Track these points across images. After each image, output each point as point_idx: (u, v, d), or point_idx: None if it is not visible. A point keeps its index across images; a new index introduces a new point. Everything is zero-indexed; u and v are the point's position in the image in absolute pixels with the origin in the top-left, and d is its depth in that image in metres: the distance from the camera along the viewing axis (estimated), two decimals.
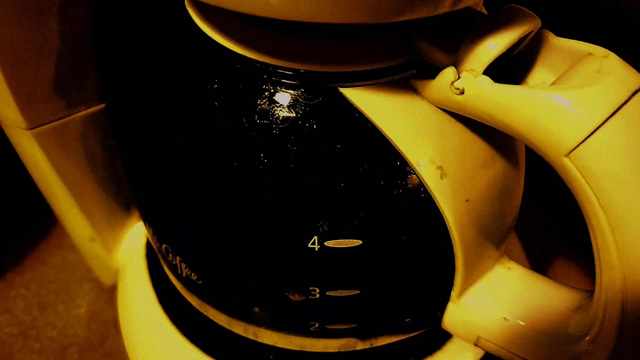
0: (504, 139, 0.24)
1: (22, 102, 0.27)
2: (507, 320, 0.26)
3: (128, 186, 0.35)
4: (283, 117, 0.22)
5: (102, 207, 0.34)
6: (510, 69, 0.22)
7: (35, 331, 0.39)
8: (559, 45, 0.21)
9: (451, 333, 0.28)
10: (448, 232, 0.24)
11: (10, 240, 0.44)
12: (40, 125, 0.29)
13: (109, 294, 0.41)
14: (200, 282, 0.26)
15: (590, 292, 0.24)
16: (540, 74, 0.22)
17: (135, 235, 0.37)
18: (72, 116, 0.30)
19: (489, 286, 0.27)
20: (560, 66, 0.22)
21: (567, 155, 0.19)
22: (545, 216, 0.46)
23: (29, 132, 0.29)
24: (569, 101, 0.18)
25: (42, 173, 0.31)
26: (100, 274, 0.39)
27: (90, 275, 0.42)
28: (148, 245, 0.36)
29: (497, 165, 0.24)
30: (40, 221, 0.46)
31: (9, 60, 0.26)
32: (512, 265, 0.28)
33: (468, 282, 0.26)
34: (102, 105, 0.31)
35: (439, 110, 0.22)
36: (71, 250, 0.44)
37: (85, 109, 0.30)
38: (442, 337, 0.31)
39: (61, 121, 0.29)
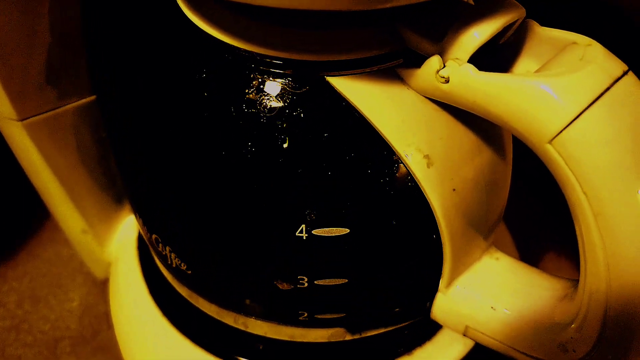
0: (491, 129, 0.25)
1: (13, 93, 0.27)
2: (494, 309, 0.26)
3: (120, 178, 0.35)
4: (271, 106, 0.22)
5: (94, 200, 0.34)
6: (496, 58, 0.22)
7: (27, 325, 0.40)
8: (544, 35, 0.22)
9: (440, 323, 0.28)
10: (435, 221, 0.24)
11: (3, 234, 0.44)
12: (31, 117, 0.29)
13: (101, 287, 0.41)
14: (189, 272, 0.26)
15: (576, 281, 0.24)
16: (525, 63, 0.22)
17: (127, 228, 0.37)
18: (64, 107, 0.30)
19: (476, 276, 0.27)
20: (545, 55, 0.22)
21: (550, 142, 0.19)
22: (535, 207, 0.46)
23: (20, 123, 0.29)
24: (552, 88, 0.19)
25: (34, 165, 0.31)
26: (93, 267, 0.39)
27: (82, 269, 0.42)
28: (140, 238, 0.36)
29: (484, 154, 0.24)
30: (33, 215, 0.46)
31: (1, 52, 0.26)
32: (500, 255, 0.28)
33: (456, 273, 0.26)
34: (93, 97, 0.31)
35: (425, 99, 0.23)
36: (64, 244, 0.44)
37: (77, 101, 0.30)
38: (432, 328, 0.31)
39: (52, 112, 0.30)
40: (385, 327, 0.29)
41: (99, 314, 0.40)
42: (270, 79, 0.22)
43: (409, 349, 0.31)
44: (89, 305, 0.41)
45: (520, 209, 0.43)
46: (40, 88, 0.28)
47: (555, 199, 0.46)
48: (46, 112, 0.29)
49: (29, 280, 0.42)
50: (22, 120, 0.29)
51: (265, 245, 0.24)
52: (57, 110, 0.30)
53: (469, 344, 0.32)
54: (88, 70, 0.29)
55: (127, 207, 0.37)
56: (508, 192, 0.27)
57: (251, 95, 0.22)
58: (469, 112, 0.22)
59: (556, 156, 0.19)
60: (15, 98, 0.28)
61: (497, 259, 0.28)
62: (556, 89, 0.19)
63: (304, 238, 0.23)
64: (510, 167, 0.27)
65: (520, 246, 0.40)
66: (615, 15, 0.40)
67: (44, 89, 0.29)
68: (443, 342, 0.31)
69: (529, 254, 0.42)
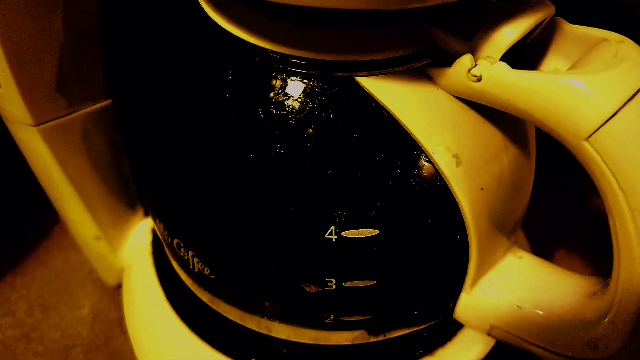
0: (517, 127, 0.25)
1: (29, 98, 0.27)
2: (521, 308, 0.26)
3: (134, 183, 0.34)
4: (299, 106, 0.22)
5: (108, 205, 0.34)
6: (522, 56, 0.22)
7: (38, 333, 0.39)
8: (572, 32, 0.22)
9: (463, 323, 0.28)
10: (462, 220, 0.24)
11: (10, 242, 0.44)
12: (46, 122, 0.29)
13: (112, 293, 0.41)
14: (213, 276, 0.26)
15: (603, 278, 0.24)
16: (553, 62, 0.22)
17: (140, 233, 0.37)
18: (79, 112, 0.30)
19: (501, 275, 0.27)
20: (574, 53, 0.22)
21: (587, 139, 0.19)
22: (547, 206, 0.46)
23: (34, 128, 0.28)
24: (588, 85, 0.19)
25: (47, 171, 0.31)
26: (104, 274, 0.38)
27: (92, 276, 0.42)
28: (154, 243, 0.36)
29: (510, 152, 0.24)
30: (41, 222, 0.45)
31: (16, 55, 0.25)
32: (523, 254, 0.28)
33: (481, 272, 0.26)
34: (108, 101, 0.30)
35: (453, 98, 0.23)
36: (72, 251, 0.43)
37: (92, 105, 0.30)
38: (453, 328, 0.31)
39: (68, 117, 0.29)
40: (409, 328, 0.29)
41: (110, 321, 0.39)
42: (299, 79, 0.22)
43: (431, 349, 0.30)
44: (100, 311, 0.40)
45: (531, 207, 0.43)
46: (56, 93, 0.28)
47: (563, 196, 0.46)
48: (62, 117, 0.29)
49: (37, 287, 0.42)
50: (37, 125, 0.28)
51: (294, 248, 0.23)
52: (73, 115, 0.29)
53: (490, 342, 0.32)
54: (104, 73, 0.29)
55: (140, 212, 0.37)
56: (531, 190, 0.27)
57: (279, 97, 0.22)
58: (495, 110, 0.22)
59: (593, 153, 0.19)
60: (31, 103, 0.27)
61: (520, 257, 0.28)
62: (593, 86, 0.19)
63: (333, 240, 0.23)
64: (533, 165, 0.27)
65: (532, 245, 0.40)
66: (622, 13, 0.40)
67: (59, 94, 0.28)
68: (464, 341, 0.31)
69: (540, 252, 0.42)
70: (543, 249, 0.43)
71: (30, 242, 0.44)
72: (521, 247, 0.30)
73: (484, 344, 0.32)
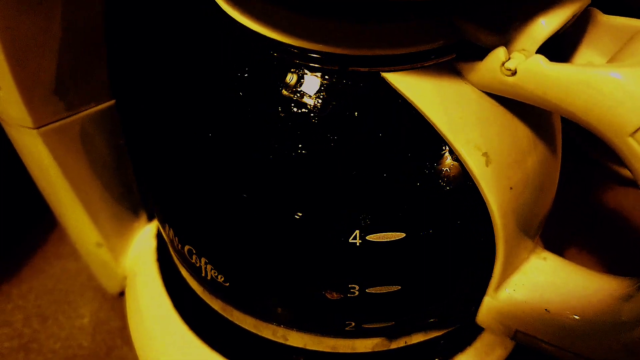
0: (545, 123, 0.24)
1: (29, 100, 0.26)
2: (549, 312, 0.25)
3: (138, 187, 0.33)
4: (321, 105, 0.21)
5: (110, 210, 0.33)
6: (553, 49, 0.21)
7: (37, 344, 0.37)
8: (607, 23, 0.21)
9: (485, 328, 0.27)
10: (490, 222, 0.23)
11: (5, 250, 0.42)
12: (47, 124, 0.27)
13: (113, 302, 0.39)
14: (227, 284, 0.25)
15: (637, 279, 0.24)
16: (586, 54, 0.21)
17: (144, 239, 0.35)
18: (81, 114, 0.28)
19: (526, 278, 0.26)
20: (609, 45, 0.21)
21: (632, 134, 0.18)
22: (557, 203, 0.45)
23: (35, 131, 0.27)
24: (633, 79, 0.18)
25: (47, 176, 0.30)
26: (105, 282, 0.37)
27: (91, 284, 0.40)
28: (159, 249, 0.34)
29: (538, 150, 0.23)
30: (36, 229, 0.44)
31: (15, 54, 0.24)
32: (548, 255, 0.27)
33: (506, 274, 0.25)
34: (111, 102, 0.29)
35: (482, 94, 0.22)
36: (70, 259, 0.42)
37: (95, 106, 0.29)
38: (473, 333, 0.30)
39: (69, 119, 0.28)
40: (430, 333, 0.28)
41: (112, 330, 0.38)
42: (322, 76, 0.21)
43: (451, 355, 0.30)
44: (101, 321, 0.39)
45: None
46: (57, 93, 0.27)
47: (572, 193, 0.45)
48: (63, 119, 0.28)
49: (35, 297, 0.40)
50: (37, 128, 0.27)
51: (316, 254, 0.22)
52: (74, 117, 0.28)
53: (509, 346, 0.31)
54: (109, 72, 0.27)
55: (144, 217, 0.36)
56: (556, 189, 0.26)
57: (300, 95, 0.21)
58: (525, 106, 0.21)
59: (638, 149, 0.18)
60: (31, 105, 0.26)
61: (545, 258, 0.27)
62: (638, 80, 0.17)
63: (357, 244, 0.22)
64: (559, 162, 0.26)
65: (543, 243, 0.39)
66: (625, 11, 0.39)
67: (60, 95, 0.27)
68: (484, 346, 0.30)
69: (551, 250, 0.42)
70: (553, 248, 0.42)
71: (26, 250, 0.43)
72: None
73: (503, 348, 0.31)
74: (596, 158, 0.45)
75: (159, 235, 0.35)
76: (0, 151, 0.32)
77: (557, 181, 0.26)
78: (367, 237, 0.22)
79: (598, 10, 0.21)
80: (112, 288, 0.37)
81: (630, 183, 0.42)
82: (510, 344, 0.31)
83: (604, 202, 0.45)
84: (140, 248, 0.35)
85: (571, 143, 0.26)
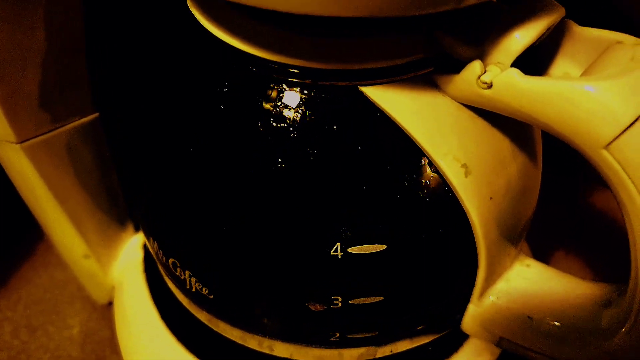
0: (524, 133, 0.24)
1: (12, 114, 0.26)
2: (532, 319, 0.25)
3: (124, 199, 0.33)
4: (301, 119, 0.21)
5: (96, 222, 0.33)
6: (529, 61, 0.22)
7: (25, 355, 0.37)
8: (583, 35, 0.21)
9: (470, 335, 0.28)
10: (471, 231, 0.23)
11: None
12: (30, 139, 0.27)
13: (102, 311, 0.39)
14: (212, 296, 0.25)
15: (618, 286, 0.24)
16: (562, 65, 0.22)
17: (131, 250, 0.35)
18: (64, 127, 0.28)
19: (509, 285, 0.26)
20: (585, 56, 0.21)
21: (606, 147, 0.18)
22: (542, 209, 0.46)
23: (18, 146, 0.27)
24: (607, 92, 0.18)
25: (32, 189, 0.30)
26: (94, 292, 0.37)
27: (80, 294, 0.40)
28: (146, 260, 0.34)
29: (518, 159, 0.24)
30: (24, 239, 0.44)
31: None
32: (531, 262, 0.27)
33: (489, 282, 0.26)
34: (95, 115, 0.29)
35: (461, 106, 0.22)
36: (58, 268, 0.42)
37: (79, 119, 0.28)
38: (459, 339, 0.30)
39: (53, 133, 0.28)
40: (415, 341, 0.28)
41: (101, 340, 0.38)
42: (300, 90, 0.21)
43: None
44: (90, 331, 0.39)
45: None
46: (40, 107, 0.27)
47: (559, 197, 0.45)
48: (46, 132, 0.28)
49: (23, 307, 0.40)
50: (20, 142, 0.27)
51: (298, 266, 0.22)
52: (58, 131, 0.28)
53: (496, 352, 0.31)
54: (91, 85, 0.27)
55: (130, 228, 0.36)
56: (537, 196, 0.26)
57: (279, 109, 0.21)
58: (503, 118, 0.21)
59: (612, 161, 0.18)
60: (14, 119, 0.26)
61: (528, 265, 0.27)
62: (611, 92, 0.18)
63: (339, 257, 0.22)
64: (540, 171, 0.26)
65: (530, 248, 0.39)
66: (617, 16, 0.40)
67: (44, 109, 0.27)
68: (471, 353, 0.30)
69: (537, 256, 0.42)
70: (540, 252, 0.42)
71: (13, 260, 0.43)
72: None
73: (490, 353, 0.31)
74: (581, 161, 0.45)
75: (145, 246, 0.35)
76: None
77: (538, 188, 0.26)
78: (349, 250, 0.22)
79: (573, 22, 0.21)
80: (101, 298, 0.37)
81: None
82: (497, 350, 0.31)
83: (589, 205, 0.46)
84: (127, 259, 0.35)
85: (555, 146, 0.26)
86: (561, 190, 0.46)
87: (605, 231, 0.44)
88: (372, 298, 0.23)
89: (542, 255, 0.42)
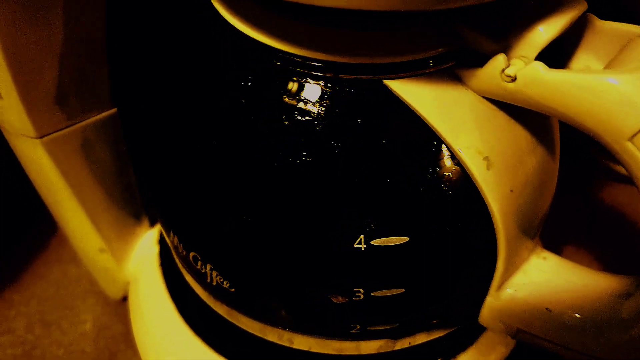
0: (544, 126, 0.24)
1: (31, 109, 0.26)
2: (550, 311, 0.25)
3: (140, 193, 0.33)
4: (325, 112, 0.21)
5: (112, 216, 0.33)
6: (550, 54, 0.22)
7: (39, 350, 0.38)
8: (604, 29, 0.21)
9: (487, 327, 0.28)
10: (491, 224, 0.23)
11: (5, 255, 0.42)
12: (49, 134, 0.27)
13: (115, 307, 0.39)
14: (233, 289, 0.25)
15: (636, 277, 0.24)
16: (583, 59, 0.22)
17: (146, 245, 0.35)
18: (83, 122, 0.28)
19: (527, 277, 0.26)
20: (606, 50, 0.21)
21: (631, 139, 0.18)
22: (555, 204, 0.46)
23: (38, 141, 0.27)
24: (631, 84, 0.18)
25: (50, 184, 0.30)
26: (107, 287, 0.37)
27: (93, 289, 0.40)
28: (162, 254, 0.34)
29: (538, 153, 0.24)
30: (36, 234, 0.44)
31: (18, 64, 0.24)
32: (547, 254, 0.27)
33: (507, 275, 0.26)
34: (113, 110, 0.29)
35: (483, 99, 0.22)
36: (71, 263, 0.42)
37: (97, 114, 0.29)
38: (475, 332, 0.30)
39: (71, 128, 0.28)
40: (433, 334, 0.28)
41: (115, 335, 0.38)
42: (325, 84, 0.21)
43: (454, 354, 0.30)
44: (104, 326, 0.39)
45: None
46: (59, 102, 0.27)
47: (569, 191, 0.46)
48: (65, 127, 0.28)
49: (37, 303, 0.40)
50: (40, 137, 0.27)
51: (322, 259, 0.22)
52: (76, 126, 0.28)
53: (511, 344, 0.31)
54: (111, 80, 0.28)
55: (146, 223, 0.36)
56: (554, 189, 0.27)
57: (304, 103, 0.21)
58: (524, 111, 0.21)
59: (637, 153, 0.18)
60: (34, 114, 0.26)
61: (545, 258, 0.27)
62: (636, 86, 0.18)
63: (362, 249, 0.22)
64: (558, 163, 0.26)
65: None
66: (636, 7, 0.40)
67: (63, 104, 0.27)
68: (486, 345, 0.30)
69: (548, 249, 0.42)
70: (551, 245, 0.43)
71: (27, 255, 0.43)
72: None
73: (504, 346, 0.31)
74: (594, 156, 0.45)
75: (161, 241, 0.35)
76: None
77: (555, 181, 0.26)
78: (372, 242, 0.22)
79: (595, 16, 0.21)
80: (114, 293, 0.37)
81: (627, 180, 0.42)
82: (511, 342, 0.32)
83: (601, 199, 0.46)
84: (142, 253, 0.35)
85: (569, 141, 0.26)
86: (573, 185, 0.46)
87: (616, 225, 0.44)
88: (393, 290, 0.23)
89: (552, 248, 0.42)
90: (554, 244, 0.43)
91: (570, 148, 0.28)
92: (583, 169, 0.47)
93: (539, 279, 0.26)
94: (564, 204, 0.46)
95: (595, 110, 0.19)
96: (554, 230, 0.43)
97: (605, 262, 0.42)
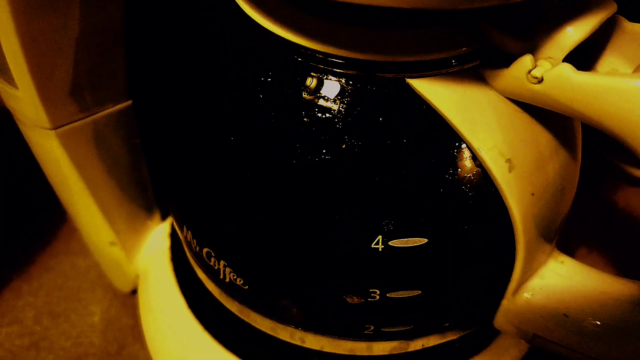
0: (567, 129, 0.24)
1: (48, 101, 0.26)
2: (568, 317, 0.25)
3: (153, 187, 0.33)
4: (346, 110, 0.21)
5: (124, 210, 0.33)
6: (578, 55, 0.21)
7: (47, 342, 0.37)
8: (633, 31, 0.21)
9: (503, 331, 0.28)
10: (511, 227, 0.23)
11: (14, 247, 0.42)
12: (64, 125, 0.27)
13: (123, 299, 0.39)
14: (246, 287, 0.25)
15: None
16: (611, 61, 0.21)
17: (157, 239, 0.35)
18: (97, 115, 0.28)
19: (544, 282, 0.26)
20: (635, 53, 0.21)
21: None
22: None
23: (52, 132, 0.27)
24: None
25: (63, 175, 0.29)
26: (117, 280, 0.37)
27: (102, 281, 0.40)
28: (173, 249, 0.34)
29: (559, 157, 0.23)
30: (45, 225, 0.44)
31: (34, 56, 0.24)
32: (565, 258, 0.27)
33: (524, 278, 0.25)
34: (127, 104, 0.29)
35: (506, 100, 0.21)
36: (80, 256, 0.42)
37: (112, 107, 0.28)
38: (489, 335, 0.30)
39: (86, 120, 0.28)
40: (447, 336, 0.28)
41: (123, 328, 0.38)
42: (347, 82, 0.21)
43: (466, 357, 0.30)
44: (112, 318, 0.39)
45: None
46: (74, 95, 0.27)
47: (584, 195, 0.45)
48: (80, 119, 0.28)
49: (45, 294, 0.40)
50: (54, 128, 0.27)
51: (339, 258, 0.22)
52: (91, 118, 0.28)
53: (524, 348, 0.31)
54: (127, 72, 0.27)
55: (157, 217, 0.35)
56: (574, 193, 0.26)
57: (325, 100, 0.21)
58: (547, 113, 0.21)
59: None
60: (49, 106, 0.26)
61: (562, 262, 0.27)
62: None
63: (380, 250, 0.22)
64: (579, 169, 0.26)
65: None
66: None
67: (78, 96, 0.27)
68: (499, 349, 0.30)
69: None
70: (563, 248, 0.42)
71: (35, 246, 0.43)
72: None
73: (518, 350, 0.31)
74: (607, 158, 0.45)
75: (172, 235, 0.35)
76: (6, 148, 0.32)
77: (576, 185, 0.26)
78: (390, 243, 0.22)
79: (624, 18, 0.21)
80: (124, 286, 0.37)
81: None
82: (524, 346, 0.31)
83: (614, 202, 0.45)
84: (153, 247, 0.35)
85: (582, 143, 0.26)
86: (585, 187, 0.45)
87: (629, 229, 0.44)
88: (409, 291, 0.23)
89: (565, 251, 0.42)
90: (567, 247, 0.42)
91: (583, 150, 0.27)
92: (596, 172, 0.46)
93: (556, 283, 0.26)
94: (576, 207, 0.45)
95: (623, 114, 0.18)
96: (566, 233, 0.43)
97: (618, 266, 0.41)
